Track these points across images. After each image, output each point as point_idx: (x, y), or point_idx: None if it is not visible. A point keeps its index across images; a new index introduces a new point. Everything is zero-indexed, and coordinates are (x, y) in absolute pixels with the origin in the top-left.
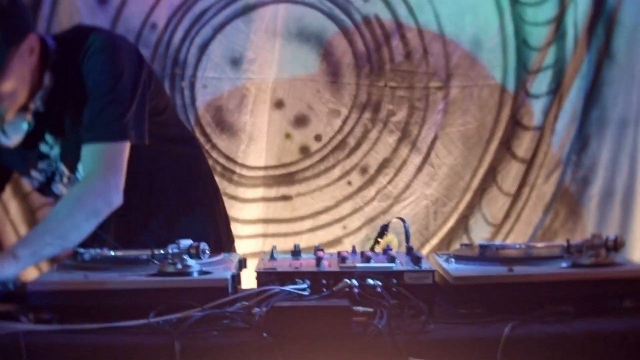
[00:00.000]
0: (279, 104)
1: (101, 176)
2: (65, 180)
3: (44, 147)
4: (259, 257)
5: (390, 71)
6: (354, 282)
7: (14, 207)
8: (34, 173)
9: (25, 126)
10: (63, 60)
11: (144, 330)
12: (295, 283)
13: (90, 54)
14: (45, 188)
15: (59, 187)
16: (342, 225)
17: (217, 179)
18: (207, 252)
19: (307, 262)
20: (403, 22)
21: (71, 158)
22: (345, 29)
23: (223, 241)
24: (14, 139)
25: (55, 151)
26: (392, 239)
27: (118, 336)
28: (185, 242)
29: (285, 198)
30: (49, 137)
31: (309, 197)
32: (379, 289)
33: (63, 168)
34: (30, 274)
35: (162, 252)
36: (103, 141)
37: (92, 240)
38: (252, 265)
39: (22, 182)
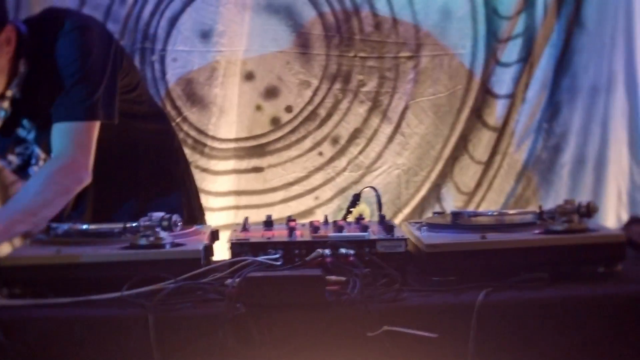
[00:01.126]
0: (249, 76)
1: (71, 154)
2: (41, 163)
3: (21, 132)
4: (231, 229)
5: (360, 41)
6: (327, 251)
7: None
8: (11, 157)
9: (1, 114)
10: (36, 46)
11: (117, 303)
12: (268, 253)
13: (60, 36)
14: (21, 171)
15: (35, 170)
16: (314, 196)
17: (188, 151)
18: (179, 224)
19: (279, 233)
20: None
21: (47, 141)
22: (315, 0)
23: (195, 214)
24: None
25: (31, 135)
26: (364, 208)
27: (92, 309)
28: (157, 215)
29: (257, 170)
30: (25, 122)
31: (281, 169)
32: (351, 258)
33: (39, 151)
34: (3, 250)
35: (134, 225)
36: (72, 120)
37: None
38: (224, 237)
39: None
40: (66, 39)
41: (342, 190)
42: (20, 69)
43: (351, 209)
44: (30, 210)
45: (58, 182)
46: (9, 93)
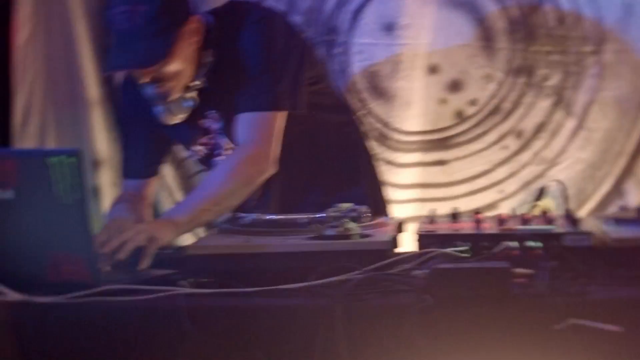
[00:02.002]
0: (433, 69)
1: (255, 145)
2: (226, 153)
3: (207, 122)
4: (415, 221)
5: (544, 35)
6: (514, 244)
7: (170, 174)
8: (197, 147)
9: (189, 104)
10: (221, 37)
11: (304, 293)
12: (455, 245)
13: (245, 27)
14: (206, 161)
15: (220, 160)
16: (499, 190)
17: (373, 144)
18: (368, 215)
19: (466, 225)
20: None
21: (232, 131)
22: None
23: (379, 206)
24: (178, 117)
25: (217, 125)
26: (548, 202)
27: (278, 299)
28: (345, 206)
29: (441, 163)
30: (212, 112)
31: (465, 162)
32: (538, 251)
33: (224, 141)
34: (186, 240)
35: (322, 215)
36: (258, 110)
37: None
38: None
39: (177, 149)
40: (251, 30)
41: (526, 184)
42: (206, 60)
43: (536, 202)
44: (215, 199)
45: (243, 172)
46: (195, 83)
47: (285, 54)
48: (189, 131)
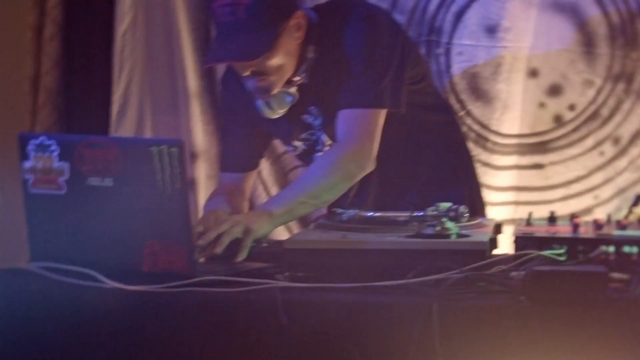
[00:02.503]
0: (533, 73)
1: (356, 141)
2: (326, 149)
3: (307, 118)
4: (511, 223)
5: None
6: (610, 249)
7: (266, 169)
8: (297, 142)
9: (289, 99)
10: (324, 33)
11: (401, 291)
12: (552, 249)
13: (348, 24)
14: (306, 157)
15: (319, 156)
16: (594, 195)
17: (470, 145)
18: (466, 215)
19: (563, 229)
20: None
21: (333, 127)
22: None
23: (477, 207)
24: (278, 111)
25: (317, 121)
26: None
27: (375, 295)
28: (445, 205)
29: (538, 166)
30: (312, 108)
31: (562, 166)
32: (635, 257)
33: (324, 137)
34: (279, 234)
35: (421, 214)
36: (359, 107)
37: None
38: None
39: (274, 144)
40: (355, 26)
41: (622, 191)
42: (308, 55)
43: (632, 209)
44: (313, 193)
45: (342, 167)
46: (297, 79)
47: (389, 52)
48: (289, 126)
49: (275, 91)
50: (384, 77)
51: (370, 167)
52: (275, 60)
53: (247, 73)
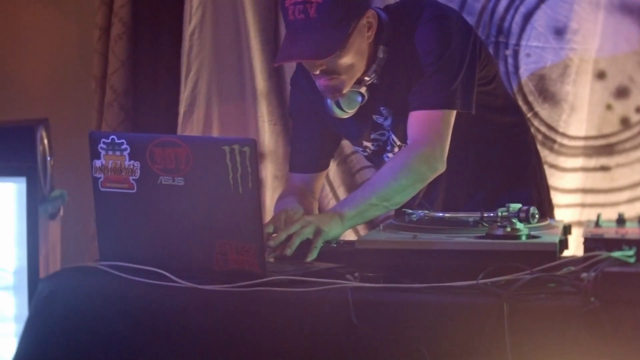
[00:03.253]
0: (600, 75)
1: (427, 143)
2: (396, 149)
3: (377, 118)
4: (579, 225)
5: None
6: None
7: (332, 169)
8: (366, 143)
9: (359, 99)
10: (395, 33)
11: (472, 291)
12: (621, 250)
13: (419, 24)
14: (375, 157)
15: (389, 157)
16: None
17: (538, 147)
18: (537, 216)
19: (632, 230)
20: None
21: (403, 129)
22: None
23: (545, 208)
24: (348, 112)
25: (388, 122)
26: None
27: (445, 296)
28: (515, 206)
29: (604, 169)
30: (382, 109)
31: (628, 169)
32: None
33: (394, 138)
34: (346, 235)
35: (491, 214)
36: (429, 108)
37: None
38: (574, 233)
39: (342, 145)
40: (426, 27)
41: None
42: (379, 55)
43: None
44: (384, 195)
45: (415, 169)
46: (367, 78)
47: (460, 52)
48: (359, 127)
49: (345, 91)
50: (455, 78)
51: (442, 168)
52: (346, 59)
53: (317, 72)
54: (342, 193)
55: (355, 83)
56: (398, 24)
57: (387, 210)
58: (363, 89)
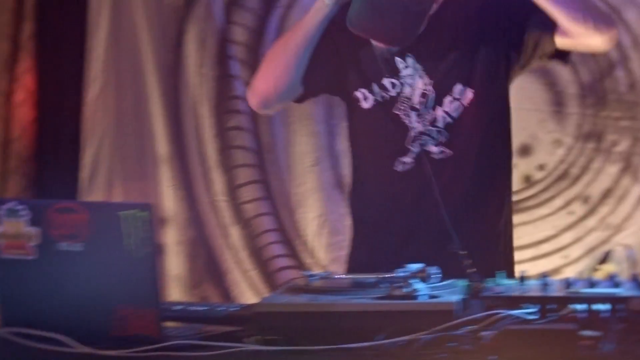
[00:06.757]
0: None
1: None
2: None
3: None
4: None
5: (614, 101)
6: (581, 307)
7: (235, 235)
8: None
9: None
10: None
11: (371, 352)
12: (522, 308)
13: None
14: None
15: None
16: (563, 255)
17: None
18: (437, 276)
19: (533, 288)
20: (628, 52)
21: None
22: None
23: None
24: None
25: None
26: (612, 266)
27: (345, 358)
28: (415, 266)
29: None
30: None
31: (531, 226)
32: (605, 314)
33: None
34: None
35: (390, 275)
36: None
37: None
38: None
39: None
40: None
41: (591, 250)
42: None
43: (600, 266)
44: None
45: None
46: None
47: None
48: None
49: None
50: None
51: None
52: None
53: None
54: (245, 257)
55: None
56: None
57: None
58: None
